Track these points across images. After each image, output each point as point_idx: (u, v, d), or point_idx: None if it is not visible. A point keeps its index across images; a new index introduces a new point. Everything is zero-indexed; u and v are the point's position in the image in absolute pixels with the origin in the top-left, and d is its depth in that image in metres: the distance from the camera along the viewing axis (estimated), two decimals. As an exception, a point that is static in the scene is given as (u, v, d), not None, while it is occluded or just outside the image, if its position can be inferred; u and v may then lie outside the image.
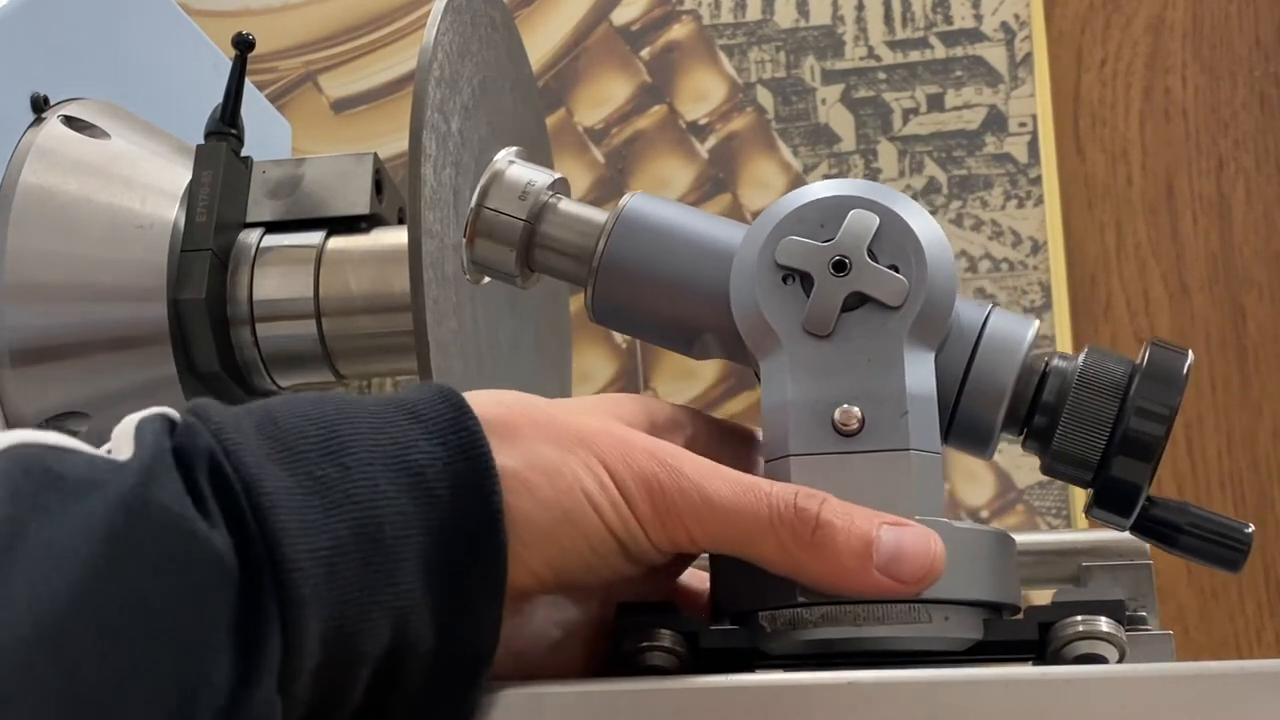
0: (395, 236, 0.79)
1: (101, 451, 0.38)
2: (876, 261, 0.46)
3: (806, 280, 0.46)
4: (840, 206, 0.47)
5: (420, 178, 0.68)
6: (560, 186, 0.51)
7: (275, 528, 0.37)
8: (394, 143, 1.10)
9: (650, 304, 0.49)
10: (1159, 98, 1.10)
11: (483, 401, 0.42)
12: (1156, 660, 0.49)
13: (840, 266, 0.46)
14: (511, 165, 0.51)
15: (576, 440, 0.43)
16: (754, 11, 1.12)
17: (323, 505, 0.38)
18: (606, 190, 1.10)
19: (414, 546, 0.39)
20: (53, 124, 0.78)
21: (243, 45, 0.80)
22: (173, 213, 0.77)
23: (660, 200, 0.50)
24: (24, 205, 0.75)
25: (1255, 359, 1.05)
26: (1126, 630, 0.47)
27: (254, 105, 0.88)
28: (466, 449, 0.41)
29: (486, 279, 0.52)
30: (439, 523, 0.40)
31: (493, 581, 0.41)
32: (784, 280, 0.46)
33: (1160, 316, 1.06)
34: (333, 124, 1.15)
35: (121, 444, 0.38)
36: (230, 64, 0.80)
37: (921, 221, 0.47)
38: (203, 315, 0.75)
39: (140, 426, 0.39)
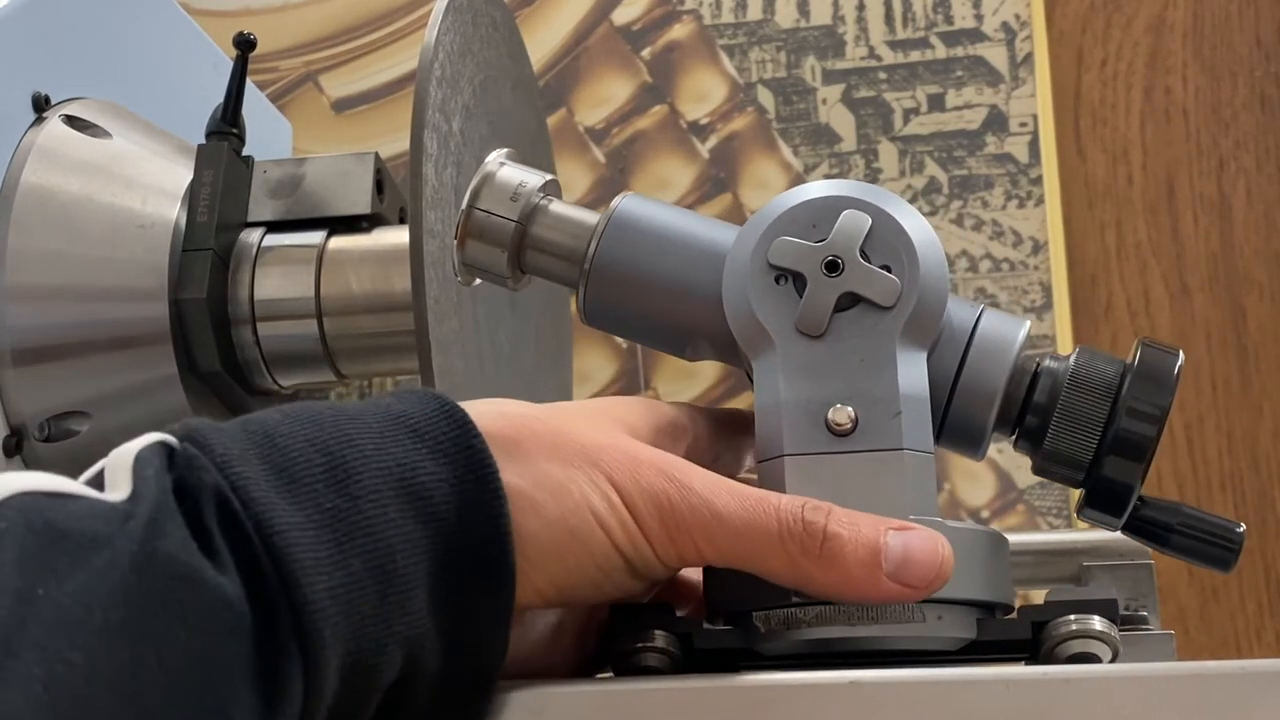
0: (396, 236, 0.79)
1: (93, 484, 0.37)
2: (869, 262, 0.46)
3: (799, 280, 0.46)
4: (832, 207, 0.47)
5: (421, 177, 0.68)
6: (551, 188, 0.51)
7: (291, 568, 0.36)
8: (395, 142, 1.10)
9: (642, 306, 0.49)
10: (1160, 98, 1.10)
11: (484, 413, 0.42)
12: (1157, 660, 0.49)
13: (833, 267, 0.46)
14: (503, 167, 0.50)
15: (583, 456, 0.42)
16: (755, 11, 1.12)
17: (334, 540, 0.38)
18: (607, 190, 1.10)
19: (424, 573, 0.39)
20: (54, 124, 0.78)
21: (244, 45, 0.80)
22: (174, 212, 0.77)
23: (652, 201, 0.50)
24: (25, 205, 0.75)
25: (1256, 359, 1.05)
26: (1127, 630, 0.48)
27: (255, 105, 0.88)
28: (474, 468, 0.40)
29: (477, 280, 0.52)
30: (447, 545, 0.39)
31: (501, 602, 0.40)
32: (776, 281, 0.46)
33: (1161, 316, 1.06)
34: (333, 124, 1.15)
35: (118, 478, 0.37)
36: (231, 64, 0.80)
37: (913, 222, 0.47)
38: (204, 315, 0.75)
39: (139, 460, 0.37)
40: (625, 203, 0.49)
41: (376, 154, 0.81)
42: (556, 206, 0.50)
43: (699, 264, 0.48)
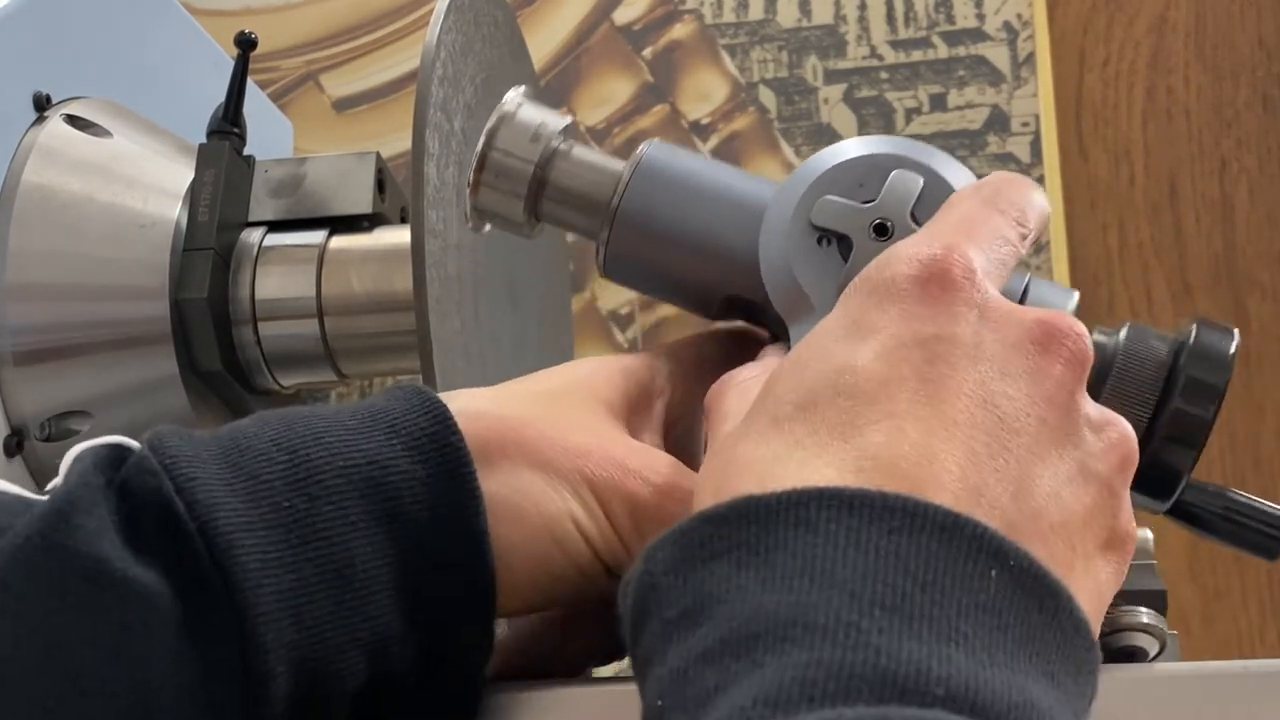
0: (397, 235, 0.79)
1: (53, 487, 0.37)
2: (919, 225, 0.43)
3: (844, 243, 0.43)
4: (882, 166, 0.44)
5: (423, 176, 0.68)
6: (572, 131, 0.48)
7: (233, 569, 0.36)
8: (396, 142, 1.10)
9: (669, 261, 0.46)
10: (1161, 98, 1.09)
11: (468, 412, 0.41)
12: (1160, 661, 0.49)
13: (882, 230, 0.43)
14: (522, 106, 0.47)
15: (568, 462, 0.41)
16: (756, 11, 1.12)
17: (287, 541, 0.37)
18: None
19: (389, 577, 0.38)
20: (55, 123, 0.78)
21: (245, 44, 0.79)
22: (175, 212, 0.77)
23: (682, 150, 0.47)
24: (26, 204, 0.75)
25: (1258, 359, 1.05)
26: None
27: (256, 104, 0.88)
28: (450, 466, 0.39)
29: (487, 226, 0.49)
30: (417, 548, 0.38)
31: (480, 603, 0.39)
32: (819, 242, 0.44)
33: (1163, 317, 1.06)
34: (334, 123, 1.15)
35: (59, 477, 0.37)
36: (232, 63, 0.80)
37: (963, 182, 0.44)
38: (205, 314, 0.75)
39: (76, 459, 0.37)
40: (653, 149, 0.47)
41: (378, 153, 0.81)
42: (579, 151, 0.47)
43: (732, 219, 0.45)
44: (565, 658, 0.45)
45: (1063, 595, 0.31)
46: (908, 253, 0.36)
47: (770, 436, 0.34)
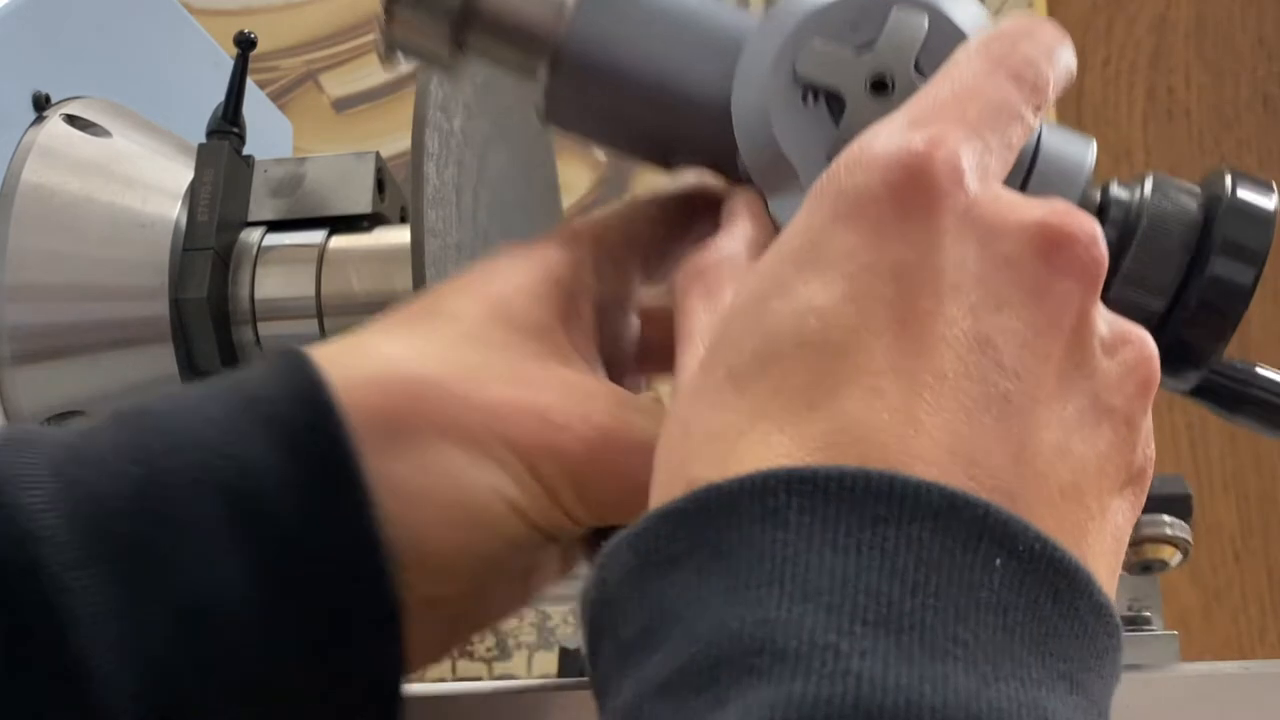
0: (397, 235, 0.79)
1: None
2: (925, 78, 0.35)
3: (835, 101, 0.36)
4: (880, 3, 0.36)
5: (423, 176, 0.68)
6: None
7: (62, 615, 0.31)
8: (395, 142, 1.10)
9: (623, 105, 0.39)
10: (1162, 97, 1.09)
11: (369, 380, 0.36)
12: (1160, 661, 0.49)
13: (880, 86, 0.36)
14: None
15: (485, 427, 0.35)
16: (755, 11, 1.12)
17: (129, 579, 0.32)
18: (609, 190, 1.10)
19: (260, 605, 0.33)
20: (54, 122, 0.78)
21: (244, 44, 0.79)
22: (174, 212, 0.77)
23: None
24: (25, 204, 0.75)
25: (1259, 359, 1.05)
26: (1130, 631, 0.47)
27: (255, 104, 0.88)
28: (331, 466, 0.34)
29: (403, 65, 0.42)
30: (295, 566, 0.34)
31: (378, 615, 0.34)
32: (805, 98, 0.36)
33: (1163, 316, 1.06)
34: (334, 123, 1.15)
35: None
36: (232, 62, 0.80)
37: (976, 23, 0.37)
38: (204, 314, 0.75)
39: None
40: None
41: (377, 153, 0.81)
42: None
43: (701, 54, 0.38)
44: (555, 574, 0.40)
45: (1080, 575, 0.27)
46: (882, 147, 0.30)
47: (729, 398, 0.29)
